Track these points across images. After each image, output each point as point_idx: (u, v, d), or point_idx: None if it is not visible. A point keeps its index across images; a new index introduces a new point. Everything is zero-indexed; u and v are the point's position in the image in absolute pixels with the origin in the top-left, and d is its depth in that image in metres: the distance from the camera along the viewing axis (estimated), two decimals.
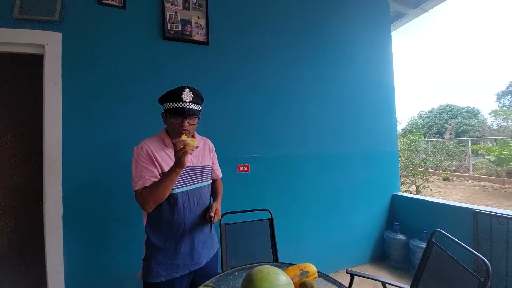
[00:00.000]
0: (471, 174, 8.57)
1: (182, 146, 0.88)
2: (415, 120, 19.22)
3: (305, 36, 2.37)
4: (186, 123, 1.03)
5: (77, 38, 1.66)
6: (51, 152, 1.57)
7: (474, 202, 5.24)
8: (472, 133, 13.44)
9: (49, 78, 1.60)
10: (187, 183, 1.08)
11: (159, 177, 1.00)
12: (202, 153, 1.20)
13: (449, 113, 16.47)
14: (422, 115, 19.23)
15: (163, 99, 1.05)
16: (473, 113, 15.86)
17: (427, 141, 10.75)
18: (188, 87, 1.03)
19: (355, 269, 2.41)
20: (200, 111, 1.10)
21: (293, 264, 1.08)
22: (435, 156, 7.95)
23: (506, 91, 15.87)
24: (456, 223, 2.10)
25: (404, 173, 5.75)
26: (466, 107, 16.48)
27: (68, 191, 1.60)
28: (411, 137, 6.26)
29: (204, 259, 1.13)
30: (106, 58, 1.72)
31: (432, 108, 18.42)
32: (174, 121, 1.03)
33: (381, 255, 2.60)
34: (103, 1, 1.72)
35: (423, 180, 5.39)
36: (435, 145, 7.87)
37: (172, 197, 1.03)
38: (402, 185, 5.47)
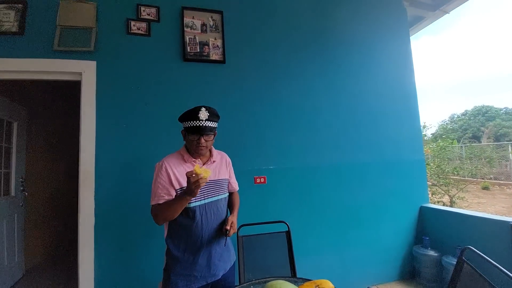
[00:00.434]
0: None
1: (195, 180, 0.91)
2: (446, 124, 17.92)
3: (318, 47, 2.40)
4: (202, 140, 1.10)
5: (109, 65, 1.86)
6: (86, 167, 1.74)
7: None
8: None
9: (85, 102, 1.80)
10: (204, 197, 1.13)
11: (173, 195, 1.07)
12: (219, 167, 1.26)
13: (486, 115, 15.15)
14: (455, 119, 17.91)
15: (182, 118, 1.14)
16: None
17: (461, 146, 9.94)
18: (204, 107, 1.10)
19: (382, 287, 2.28)
20: (216, 127, 1.17)
21: (310, 280, 1.07)
22: (471, 162, 7.30)
23: None
24: (494, 238, 1.91)
25: (435, 182, 5.36)
26: (505, 108, 15.10)
27: (100, 203, 1.74)
28: (441, 143, 5.83)
29: (221, 271, 1.16)
30: (133, 81, 1.90)
31: (466, 111, 17.12)
32: (192, 138, 1.11)
33: (410, 273, 2.42)
34: (131, 31, 1.91)
35: (457, 189, 4.96)
36: (469, 151, 7.22)
37: (190, 210, 1.09)
38: (434, 196, 5.09)
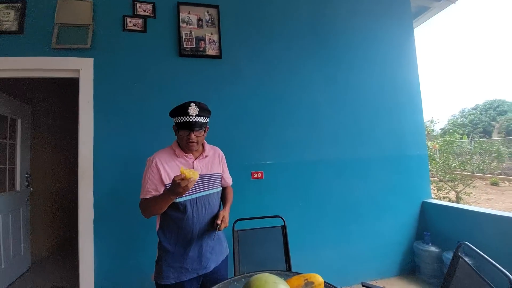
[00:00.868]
0: None
1: (184, 185, 0.91)
2: (456, 118, 17.49)
3: (317, 39, 2.36)
4: (193, 136, 1.10)
5: (106, 62, 1.88)
6: (84, 162, 1.78)
7: None
8: None
9: (83, 98, 1.83)
10: (196, 191, 1.14)
11: (160, 192, 1.08)
12: (212, 161, 1.26)
13: (497, 109, 14.69)
14: (465, 113, 17.45)
15: (172, 113, 1.14)
16: None
17: (471, 141, 9.69)
18: (194, 102, 1.10)
19: (382, 282, 2.27)
20: (207, 123, 1.17)
21: (300, 274, 1.07)
22: (480, 158, 7.11)
23: None
24: (498, 235, 1.87)
25: (441, 178, 5.25)
26: None
27: (98, 197, 1.78)
28: (447, 138, 5.69)
29: (212, 264, 1.17)
30: (130, 77, 1.91)
31: (477, 105, 16.65)
32: (182, 134, 1.11)
33: (411, 268, 2.40)
34: (127, 28, 1.92)
35: (463, 185, 4.85)
36: (477, 146, 7.03)
37: (181, 204, 1.10)
38: (439, 191, 4.99)
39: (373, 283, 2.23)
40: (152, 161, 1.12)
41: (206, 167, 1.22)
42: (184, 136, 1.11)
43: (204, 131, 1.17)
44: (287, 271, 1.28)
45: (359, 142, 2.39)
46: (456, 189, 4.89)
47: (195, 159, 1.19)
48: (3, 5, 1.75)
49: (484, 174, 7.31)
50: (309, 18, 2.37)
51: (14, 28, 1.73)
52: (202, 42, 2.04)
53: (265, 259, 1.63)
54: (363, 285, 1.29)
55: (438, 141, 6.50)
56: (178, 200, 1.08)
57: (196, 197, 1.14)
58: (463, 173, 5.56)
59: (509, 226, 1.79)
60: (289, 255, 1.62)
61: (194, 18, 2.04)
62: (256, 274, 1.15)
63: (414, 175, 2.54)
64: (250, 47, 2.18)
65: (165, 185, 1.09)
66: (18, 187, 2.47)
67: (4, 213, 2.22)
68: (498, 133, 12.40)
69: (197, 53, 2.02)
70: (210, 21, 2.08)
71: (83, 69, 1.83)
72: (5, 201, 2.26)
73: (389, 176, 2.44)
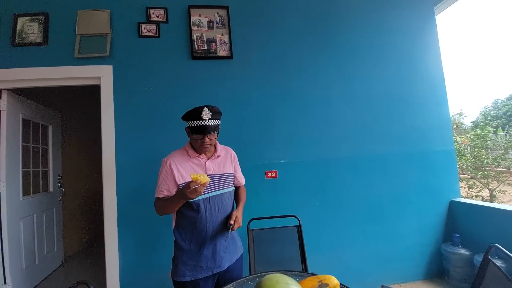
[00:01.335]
0: None
1: (194, 187, 0.95)
2: (489, 110, 16.19)
3: (329, 34, 2.29)
4: (206, 139, 1.13)
5: (124, 68, 1.97)
6: (107, 164, 1.88)
7: None
8: None
9: (104, 104, 1.93)
10: (209, 190, 1.16)
11: (172, 192, 1.12)
12: (224, 161, 1.27)
13: None
14: (499, 104, 16.08)
15: (185, 117, 1.16)
16: None
17: (505, 134, 8.90)
18: (207, 106, 1.12)
19: (407, 286, 2.16)
20: (219, 125, 1.18)
21: (315, 274, 1.04)
22: None
23: None
24: None
25: (473, 175, 4.88)
26: None
27: (121, 197, 1.88)
28: (478, 132, 5.27)
29: (226, 263, 1.18)
30: (146, 81, 1.99)
31: (511, 95, 15.22)
32: (196, 138, 1.13)
33: (438, 272, 2.25)
34: (142, 34, 2.00)
35: (498, 182, 4.46)
36: (511, 139, 6.42)
37: (194, 204, 1.12)
38: (471, 190, 4.64)
39: (396, 286, 2.14)
40: (167, 162, 1.16)
41: (219, 167, 1.23)
42: (198, 140, 1.13)
43: (217, 133, 1.19)
44: (302, 272, 1.25)
45: (377, 138, 2.28)
46: (489, 187, 4.51)
47: (208, 159, 1.21)
48: (28, 18, 1.90)
49: None
50: (319, 10, 2.30)
51: (39, 40, 1.87)
52: (213, 43, 2.07)
53: (280, 259, 1.62)
54: None
55: (469, 135, 6.04)
56: (192, 200, 1.11)
57: (209, 197, 1.16)
58: (497, 169, 5.11)
59: None
60: (305, 255, 1.59)
61: (204, 21, 2.08)
62: (270, 274, 1.15)
63: (440, 172, 2.37)
64: (261, 45, 2.17)
65: (178, 185, 1.13)
66: (51, 188, 2.68)
67: (38, 213, 2.41)
68: None
69: (209, 55, 2.05)
70: (220, 23, 2.10)
71: (103, 76, 1.93)
72: (40, 201, 2.45)
73: (412, 173, 2.31)
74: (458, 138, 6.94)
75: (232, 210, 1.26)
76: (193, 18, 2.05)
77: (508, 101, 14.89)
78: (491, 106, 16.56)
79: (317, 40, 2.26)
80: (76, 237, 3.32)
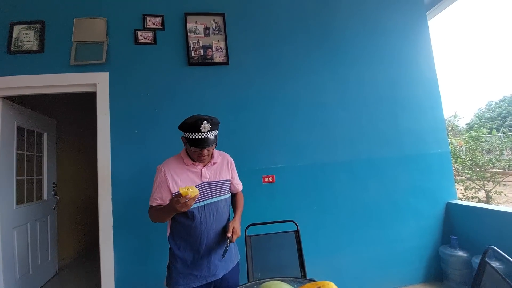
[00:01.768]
0: None
1: (183, 202, 0.95)
2: (483, 112, 16.43)
3: (323, 40, 2.32)
4: (205, 151, 1.11)
5: (120, 75, 1.97)
6: (103, 171, 1.86)
7: None
8: None
9: (100, 110, 1.92)
10: (203, 198, 1.15)
11: (165, 201, 1.12)
12: (220, 168, 1.26)
13: None
14: (492, 106, 16.34)
15: (183, 128, 1.11)
16: None
17: (500, 136, 9.02)
18: (206, 119, 1.07)
19: None
20: (217, 135, 1.14)
21: (313, 281, 1.03)
22: None
23: None
24: None
25: (469, 176, 4.92)
26: None
27: (117, 204, 1.85)
28: (473, 134, 5.34)
29: (221, 271, 1.17)
30: (142, 88, 1.99)
31: (504, 97, 15.58)
32: (194, 150, 1.10)
33: (437, 275, 2.24)
34: (139, 41, 2.01)
35: (493, 183, 4.50)
36: (506, 140, 6.51)
37: (189, 212, 1.11)
38: (467, 191, 4.67)
39: None
40: (161, 170, 1.15)
41: (215, 174, 1.22)
42: (196, 152, 1.11)
43: (216, 144, 1.15)
44: (300, 278, 1.24)
45: (374, 142, 2.30)
46: (485, 188, 4.55)
47: (204, 167, 1.19)
48: (24, 26, 1.90)
49: None
50: (313, 15, 2.33)
51: (35, 48, 1.87)
52: (210, 50, 2.08)
53: (279, 265, 1.60)
54: None
55: (464, 137, 6.10)
56: None
57: (204, 205, 1.14)
58: (492, 170, 5.17)
59: None
60: (304, 261, 1.58)
61: (201, 27, 2.10)
62: (268, 281, 1.14)
63: (436, 174, 2.39)
64: (256, 51, 2.19)
65: (173, 194, 1.11)
66: (45, 196, 2.64)
67: (32, 222, 2.37)
68: None
69: (205, 61, 2.06)
70: (216, 29, 2.12)
71: (99, 83, 1.93)
72: (34, 210, 2.41)
73: (409, 177, 2.32)
74: (453, 140, 7.03)
75: (229, 219, 1.25)
76: (189, 25, 2.07)
77: (501, 103, 15.15)
78: (485, 108, 16.83)
79: (312, 44, 2.29)
80: (70, 246, 3.26)
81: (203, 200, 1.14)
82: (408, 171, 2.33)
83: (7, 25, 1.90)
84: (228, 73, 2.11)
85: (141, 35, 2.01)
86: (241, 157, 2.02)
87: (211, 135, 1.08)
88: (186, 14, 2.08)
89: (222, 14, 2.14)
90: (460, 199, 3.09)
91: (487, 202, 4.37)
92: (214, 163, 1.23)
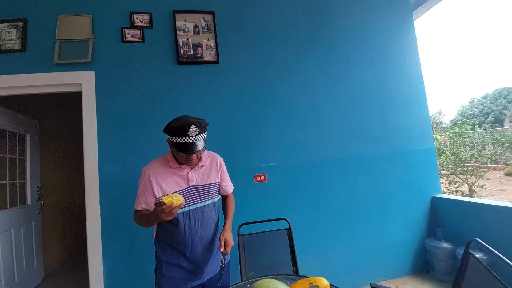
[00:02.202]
0: None
1: (167, 212, 0.89)
2: (466, 109, 17.08)
3: (314, 39, 2.34)
4: (193, 155, 1.05)
5: (106, 74, 1.91)
6: (90, 173, 1.81)
7: None
8: None
9: (86, 111, 1.87)
10: (189, 203, 1.10)
11: (150, 205, 1.08)
12: (208, 171, 1.19)
13: (508, 97, 14.28)
14: (475, 103, 17.00)
15: (169, 132, 1.04)
16: None
17: (482, 131, 9.41)
18: (193, 123, 1.00)
19: (395, 282, 2.21)
20: (206, 138, 1.09)
21: (305, 277, 1.05)
22: (494, 148, 6.88)
23: None
24: None
25: (452, 171, 5.11)
26: None
27: (105, 207, 1.81)
28: (457, 130, 5.55)
29: (207, 275, 1.15)
30: (130, 87, 1.94)
31: (486, 94, 16.24)
32: (181, 154, 1.03)
33: (424, 266, 2.33)
34: (126, 39, 1.96)
35: (476, 177, 4.70)
36: (488, 136, 6.81)
37: (173, 218, 1.03)
38: (451, 185, 4.86)
39: (384, 283, 2.19)
40: (146, 173, 1.10)
41: (202, 177, 1.16)
42: (183, 157, 1.05)
43: (205, 148, 1.09)
44: (293, 275, 1.26)
45: (363, 139, 2.35)
46: (468, 182, 4.75)
47: (191, 169, 1.14)
48: (5, 24, 1.81)
49: (498, 164, 7.06)
50: (303, 13, 2.35)
51: (17, 47, 1.79)
52: (199, 48, 2.06)
53: (272, 263, 1.62)
54: (372, 287, 1.26)
55: (448, 134, 6.33)
56: None
57: (189, 210, 1.11)
58: (475, 165, 5.39)
59: None
60: (296, 258, 1.60)
61: (190, 26, 2.07)
62: (260, 279, 1.14)
63: (422, 170, 2.48)
64: (247, 50, 2.18)
65: (157, 198, 1.08)
66: (29, 201, 2.53)
67: (16, 227, 2.27)
68: (510, 122, 12.01)
69: (195, 60, 2.04)
70: (206, 27, 2.10)
71: (85, 82, 1.87)
72: (17, 215, 2.32)
73: (396, 173, 2.39)
74: (438, 137, 7.28)
75: (218, 223, 1.22)
76: (178, 23, 2.04)
77: (483, 100, 15.80)
78: (468, 105, 17.50)
79: (303, 44, 2.31)
80: (57, 252, 3.15)
81: (189, 206, 1.11)
82: (396, 167, 2.40)
83: None
84: (219, 72, 2.09)
85: (128, 33, 1.96)
86: (232, 157, 2.01)
87: (200, 139, 1.02)
88: (175, 12, 2.05)
89: (212, 12, 2.12)
90: (445, 193, 3.22)
91: (470, 195, 4.56)
92: (202, 166, 1.17)
